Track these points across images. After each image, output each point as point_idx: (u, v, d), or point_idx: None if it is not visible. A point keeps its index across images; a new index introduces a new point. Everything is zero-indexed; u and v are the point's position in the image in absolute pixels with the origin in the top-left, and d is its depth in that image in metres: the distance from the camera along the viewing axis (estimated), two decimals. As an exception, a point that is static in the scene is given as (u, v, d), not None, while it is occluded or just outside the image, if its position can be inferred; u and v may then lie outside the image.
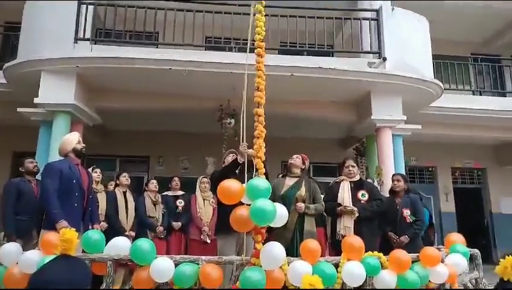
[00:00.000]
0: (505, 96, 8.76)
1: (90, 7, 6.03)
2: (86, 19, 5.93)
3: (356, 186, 4.09)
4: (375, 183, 5.68)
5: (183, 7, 6.12)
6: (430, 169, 9.87)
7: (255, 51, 3.19)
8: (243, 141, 3.33)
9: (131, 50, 5.85)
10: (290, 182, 3.98)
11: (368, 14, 6.66)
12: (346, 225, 3.87)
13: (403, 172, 6.12)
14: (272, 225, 2.82)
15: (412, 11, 6.68)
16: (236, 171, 3.69)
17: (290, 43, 6.22)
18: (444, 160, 9.58)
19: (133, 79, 5.90)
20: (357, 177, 4.20)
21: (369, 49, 6.48)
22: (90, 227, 3.76)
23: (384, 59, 6.06)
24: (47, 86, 5.58)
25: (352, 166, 4.18)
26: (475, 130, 8.21)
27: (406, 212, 4.15)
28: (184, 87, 6.06)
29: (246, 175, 3.06)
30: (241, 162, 3.53)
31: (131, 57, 5.53)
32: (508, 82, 9.15)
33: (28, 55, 5.70)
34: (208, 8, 6.13)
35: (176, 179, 5.55)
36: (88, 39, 5.97)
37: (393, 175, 4.64)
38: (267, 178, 3.08)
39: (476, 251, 3.55)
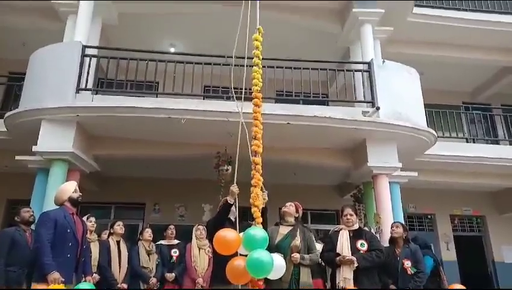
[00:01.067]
0: (498, 144, 8.89)
1: (93, 59, 6.25)
2: (88, 70, 6.12)
3: (355, 236, 3.99)
4: (373, 231, 5.60)
5: (183, 59, 6.37)
6: (429, 217, 9.77)
7: (252, 101, 3.27)
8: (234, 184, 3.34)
9: (131, 99, 5.99)
10: (284, 230, 3.90)
11: (360, 66, 6.93)
12: (345, 276, 3.75)
13: (402, 219, 6.07)
14: (270, 277, 2.74)
15: (402, 63, 6.96)
16: (233, 219, 3.65)
17: (286, 92, 6.40)
18: (443, 207, 9.51)
19: (133, 127, 5.99)
20: (356, 226, 4.12)
21: (363, 99, 6.66)
22: (83, 278, 3.64)
23: (378, 108, 6.22)
24: (46, 134, 5.63)
25: (351, 215, 4.10)
26: (471, 178, 8.25)
27: (407, 263, 4.06)
28: (182, 135, 6.15)
29: (237, 224, 3.03)
30: (231, 203, 3.51)
31: (132, 106, 5.64)
32: (500, 130, 9.34)
33: (30, 105, 5.80)
34: (206, 60, 6.39)
35: (172, 227, 5.44)
36: (90, 89, 6.13)
37: (393, 223, 4.62)
38: (264, 227, 3.04)
39: (481, 304, 3.44)
